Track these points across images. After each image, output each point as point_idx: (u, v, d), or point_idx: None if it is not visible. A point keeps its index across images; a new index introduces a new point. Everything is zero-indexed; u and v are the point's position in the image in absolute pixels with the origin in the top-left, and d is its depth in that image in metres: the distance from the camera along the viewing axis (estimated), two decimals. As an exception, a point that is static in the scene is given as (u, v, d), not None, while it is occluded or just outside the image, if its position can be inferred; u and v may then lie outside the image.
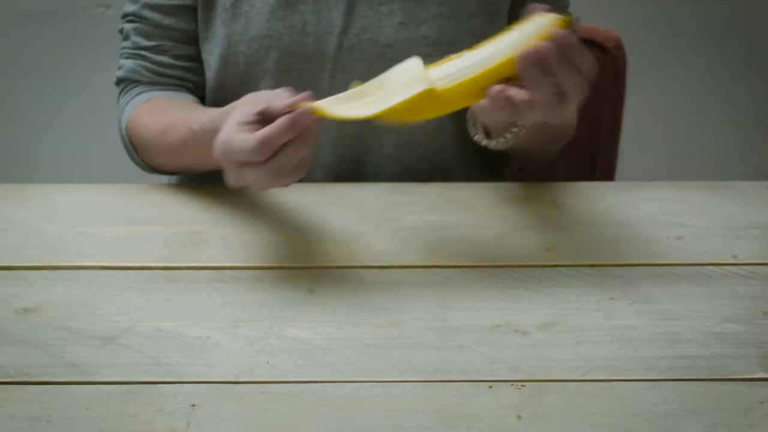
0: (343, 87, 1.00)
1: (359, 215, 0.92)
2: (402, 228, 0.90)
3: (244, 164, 0.78)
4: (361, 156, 1.05)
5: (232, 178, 0.81)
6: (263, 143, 0.77)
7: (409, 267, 0.85)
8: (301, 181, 1.08)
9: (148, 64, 1.04)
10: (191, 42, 1.04)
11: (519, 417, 0.68)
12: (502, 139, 0.92)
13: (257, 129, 0.78)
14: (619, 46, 1.25)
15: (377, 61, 1.00)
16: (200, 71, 1.05)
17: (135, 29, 1.04)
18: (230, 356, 0.74)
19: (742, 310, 0.79)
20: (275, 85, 0.99)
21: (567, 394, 0.70)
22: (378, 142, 1.04)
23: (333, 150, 1.04)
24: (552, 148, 1.05)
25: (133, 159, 1.05)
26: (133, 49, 1.04)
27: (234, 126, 0.79)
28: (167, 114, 0.99)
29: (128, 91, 1.05)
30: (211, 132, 0.84)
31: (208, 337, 0.76)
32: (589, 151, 1.29)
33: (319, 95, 1.01)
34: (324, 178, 1.05)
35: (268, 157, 0.77)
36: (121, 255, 0.86)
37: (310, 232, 0.90)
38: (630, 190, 0.98)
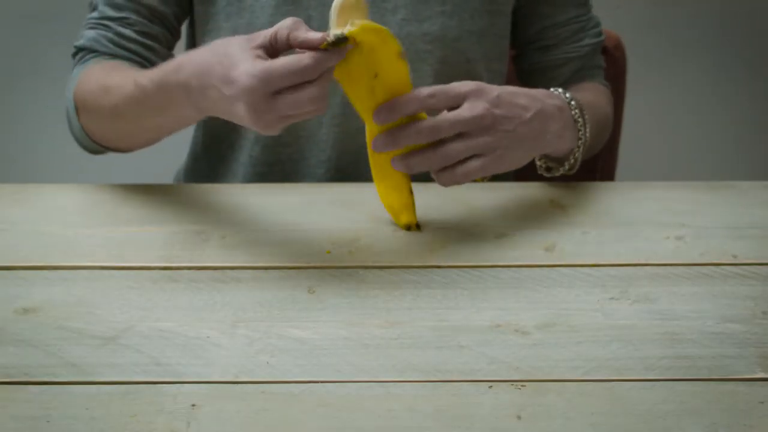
0: None
1: (359, 215, 0.92)
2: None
3: (285, 91, 0.75)
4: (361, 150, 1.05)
5: (259, 115, 0.77)
6: (318, 60, 0.75)
7: (409, 267, 0.85)
8: (301, 180, 1.09)
9: (110, 35, 1.01)
10: (159, 23, 1.02)
11: (519, 417, 0.68)
12: (561, 169, 0.96)
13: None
14: (618, 47, 1.25)
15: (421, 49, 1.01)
16: (161, 54, 1.02)
17: (104, 0, 1.01)
18: (230, 356, 0.74)
19: (742, 310, 0.79)
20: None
21: (567, 394, 0.70)
22: None
23: (334, 144, 1.04)
24: (599, 144, 1.08)
25: (72, 130, 1.02)
26: (98, 19, 1.02)
27: (252, 56, 0.77)
28: (114, 73, 0.96)
29: (85, 60, 1.02)
30: (169, 85, 0.83)
31: (208, 337, 0.76)
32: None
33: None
34: (326, 173, 1.05)
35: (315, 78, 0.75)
36: (121, 255, 0.86)
37: (310, 232, 0.90)
38: (630, 190, 0.98)
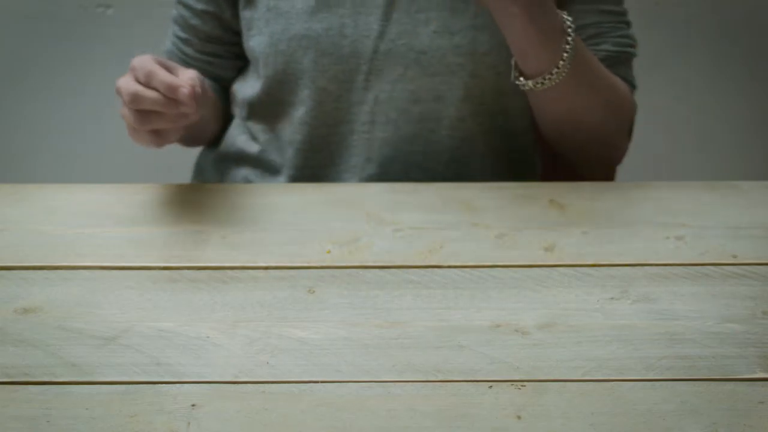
0: (376, 91, 1.02)
1: (359, 215, 0.92)
2: (402, 228, 0.90)
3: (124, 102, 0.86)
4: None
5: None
6: (132, 94, 0.85)
7: (409, 267, 0.85)
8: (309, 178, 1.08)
9: (178, 53, 1.13)
10: (215, 42, 1.11)
11: (519, 417, 0.68)
12: (540, 82, 0.95)
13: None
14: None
15: (411, 66, 1.02)
16: (225, 67, 1.13)
17: (175, 18, 1.12)
18: (230, 356, 0.74)
19: (742, 310, 0.79)
20: (312, 86, 1.04)
21: (567, 394, 0.70)
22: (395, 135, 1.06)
23: (362, 151, 1.06)
24: (603, 116, 1.04)
25: None
26: (173, 35, 1.13)
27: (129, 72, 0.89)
28: None
29: None
30: None
31: (208, 337, 0.76)
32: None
33: (354, 97, 1.04)
34: (353, 177, 1.07)
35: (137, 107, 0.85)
36: (121, 255, 0.86)
37: (310, 232, 0.90)
38: (630, 190, 0.98)
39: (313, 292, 0.82)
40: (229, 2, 1.08)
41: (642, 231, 0.90)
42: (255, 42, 1.05)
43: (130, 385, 0.71)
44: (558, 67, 0.94)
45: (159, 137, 0.89)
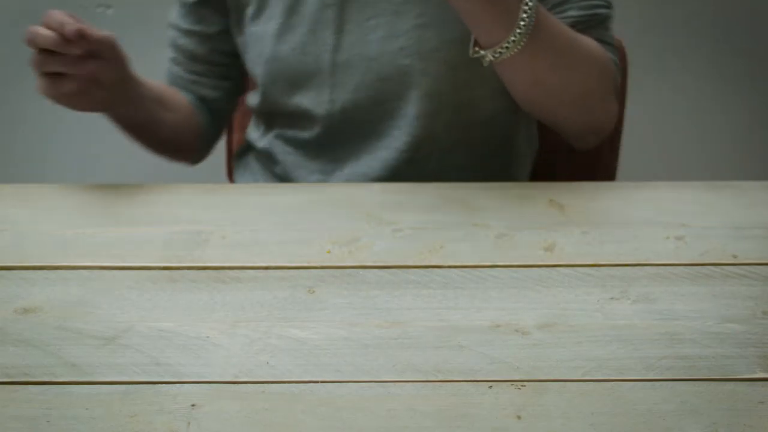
0: (342, 102, 1.05)
1: (359, 215, 0.92)
2: (402, 228, 0.90)
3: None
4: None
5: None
6: (31, 33, 0.89)
7: (409, 267, 0.85)
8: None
9: (170, 73, 1.18)
10: (200, 61, 1.15)
11: (519, 417, 0.68)
12: (498, 51, 0.94)
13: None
14: (619, 47, 1.25)
15: (366, 74, 1.05)
16: (209, 86, 1.17)
17: (168, 38, 1.17)
18: (230, 356, 0.74)
19: (742, 310, 0.79)
20: (291, 103, 1.09)
21: (567, 394, 0.70)
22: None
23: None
24: (576, 81, 1.01)
25: None
26: (168, 56, 1.18)
27: None
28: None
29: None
30: None
31: (207, 337, 0.76)
32: (590, 150, 1.29)
33: (324, 110, 1.07)
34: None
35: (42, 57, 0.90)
36: (121, 255, 0.86)
37: (310, 232, 0.90)
38: (630, 190, 0.98)
39: (313, 292, 0.82)
40: (218, 23, 1.13)
41: (642, 231, 0.90)
42: (247, 64, 1.12)
43: (130, 385, 0.71)
44: (515, 36, 0.93)
45: (57, 85, 0.92)
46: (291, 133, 1.13)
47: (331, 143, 1.10)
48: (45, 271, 0.84)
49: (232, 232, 0.90)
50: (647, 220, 0.92)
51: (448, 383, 0.71)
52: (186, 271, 0.84)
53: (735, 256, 0.86)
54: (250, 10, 1.08)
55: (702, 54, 1.94)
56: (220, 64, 1.16)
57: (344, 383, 0.71)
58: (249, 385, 0.71)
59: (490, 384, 0.71)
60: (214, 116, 1.19)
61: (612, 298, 0.81)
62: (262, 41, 1.08)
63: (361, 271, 0.84)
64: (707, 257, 0.86)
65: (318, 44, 1.05)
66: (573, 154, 1.19)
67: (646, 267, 0.85)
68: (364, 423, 0.67)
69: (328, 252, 0.87)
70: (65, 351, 0.74)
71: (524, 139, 1.15)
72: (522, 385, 0.71)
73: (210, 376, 0.72)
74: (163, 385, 0.71)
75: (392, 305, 0.80)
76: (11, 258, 0.86)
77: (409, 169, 1.07)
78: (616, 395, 0.70)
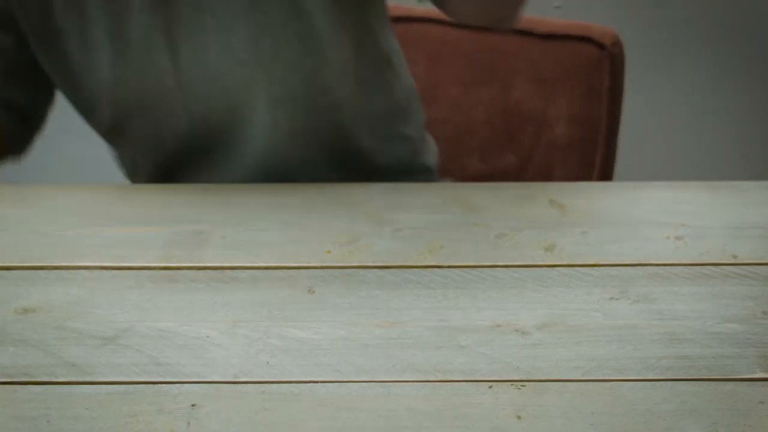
0: (197, 120, 1.03)
1: (359, 215, 0.92)
2: (402, 228, 0.90)
3: None
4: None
5: None
6: None
7: (409, 267, 0.85)
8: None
9: None
10: None
11: (519, 417, 0.68)
12: None
13: None
14: (617, 43, 1.25)
15: (212, 89, 1.02)
16: (15, 90, 1.09)
17: None
18: (230, 356, 0.74)
19: (742, 310, 0.79)
20: (141, 131, 1.06)
21: (567, 394, 0.70)
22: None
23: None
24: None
25: None
26: None
27: None
28: None
29: None
30: None
31: (207, 337, 0.76)
32: (587, 149, 1.29)
33: (180, 128, 1.05)
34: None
35: None
36: (121, 255, 0.86)
37: (310, 232, 0.90)
38: (630, 190, 0.98)
39: (313, 292, 0.82)
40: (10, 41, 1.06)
41: (642, 231, 0.90)
42: (80, 93, 1.08)
43: (130, 385, 0.71)
44: None
45: None
46: (153, 149, 1.09)
47: (191, 155, 1.08)
48: (45, 271, 0.84)
49: (232, 232, 0.90)
50: (647, 220, 0.92)
51: (448, 383, 0.71)
52: (186, 271, 0.84)
53: (735, 256, 0.86)
54: (71, 41, 1.02)
55: (701, 53, 1.94)
56: (19, 73, 1.10)
57: (344, 383, 0.71)
58: (249, 385, 0.71)
59: (490, 384, 0.71)
60: (23, 119, 1.14)
61: (612, 298, 0.81)
62: (99, 71, 1.02)
63: (361, 271, 0.84)
64: (707, 257, 0.86)
65: (157, 67, 1.02)
66: (571, 152, 1.19)
67: (646, 267, 0.85)
68: (364, 423, 0.67)
69: (328, 252, 0.87)
70: (65, 351, 0.74)
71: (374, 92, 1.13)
72: (522, 385, 0.71)
73: (210, 376, 0.72)
74: (163, 385, 0.71)
75: (392, 305, 0.80)
76: (11, 258, 0.86)
77: (272, 177, 1.07)
78: (616, 395, 0.70)
